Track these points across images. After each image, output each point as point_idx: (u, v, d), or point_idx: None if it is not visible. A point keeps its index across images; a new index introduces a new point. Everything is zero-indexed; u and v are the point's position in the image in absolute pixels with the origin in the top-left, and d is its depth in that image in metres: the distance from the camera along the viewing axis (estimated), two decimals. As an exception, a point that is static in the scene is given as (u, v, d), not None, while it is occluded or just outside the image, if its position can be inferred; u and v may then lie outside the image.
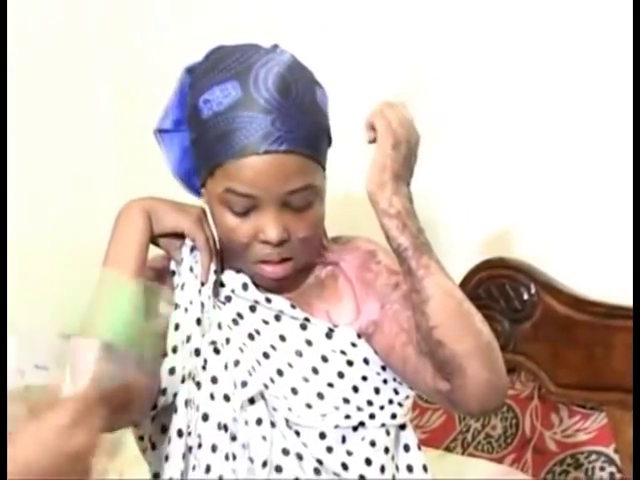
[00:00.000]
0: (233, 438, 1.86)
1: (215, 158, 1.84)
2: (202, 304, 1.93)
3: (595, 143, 2.77)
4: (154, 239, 1.96)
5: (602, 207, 2.73)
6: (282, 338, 1.91)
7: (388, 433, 1.92)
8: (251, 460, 1.85)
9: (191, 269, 1.95)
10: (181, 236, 1.96)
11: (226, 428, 1.86)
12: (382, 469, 1.90)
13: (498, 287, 2.76)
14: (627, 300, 2.56)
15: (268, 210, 1.83)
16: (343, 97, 2.63)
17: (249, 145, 1.80)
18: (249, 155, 1.79)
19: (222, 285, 1.96)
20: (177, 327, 1.91)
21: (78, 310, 2.40)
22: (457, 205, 2.91)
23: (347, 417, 1.88)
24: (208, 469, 1.86)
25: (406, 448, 1.95)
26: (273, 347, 1.91)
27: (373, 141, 1.82)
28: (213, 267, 1.95)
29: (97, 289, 1.86)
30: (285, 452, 1.87)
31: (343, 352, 1.93)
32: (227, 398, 1.86)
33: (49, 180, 3.62)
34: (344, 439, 1.88)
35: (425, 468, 1.95)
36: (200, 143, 1.90)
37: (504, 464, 2.65)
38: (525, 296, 2.72)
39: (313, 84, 1.91)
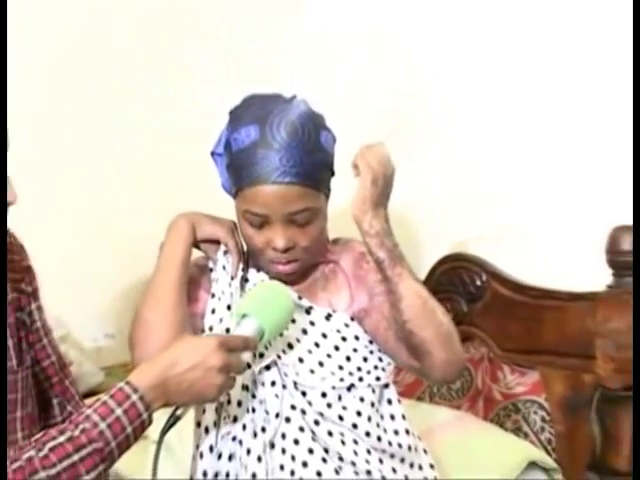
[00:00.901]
0: (253, 396, 2.02)
1: (238, 184, 2.02)
2: (231, 294, 2.10)
3: (536, 155, 2.89)
4: (196, 244, 2.13)
5: (535, 217, 2.88)
6: (292, 320, 2.04)
7: (374, 391, 2.07)
8: (267, 412, 2.00)
9: (224, 267, 2.12)
10: (217, 242, 2.14)
11: (247, 388, 2.02)
12: (369, 419, 2.04)
13: (457, 276, 2.95)
14: (555, 286, 2.75)
15: (276, 225, 1.99)
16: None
17: (261, 177, 1.97)
18: (261, 184, 1.97)
19: (247, 280, 2.13)
20: (213, 311, 2.09)
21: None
22: (428, 210, 3.01)
23: (341, 380, 2.03)
24: (235, 419, 2.02)
25: (389, 402, 2.10)
26: (288, 324, 2.05)
27: (358, 176, 1.98)
28: (240, 266, 2.13)
29: (259, 289, 2.04)
30: (293, 407, 2.01)
31: (339, 331, 2.09)
32: (249, 365, 1.98)
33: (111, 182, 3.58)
34: (340, 397, 2.03)
35: (403, 417, 2.10)
36: (230, 170, 2.06)
37: (461, 410, 2.84)
38: (478, 283, 2.92)
39: (320, 128, 2.05)
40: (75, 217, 3.43)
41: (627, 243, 2.54)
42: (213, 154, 2.14)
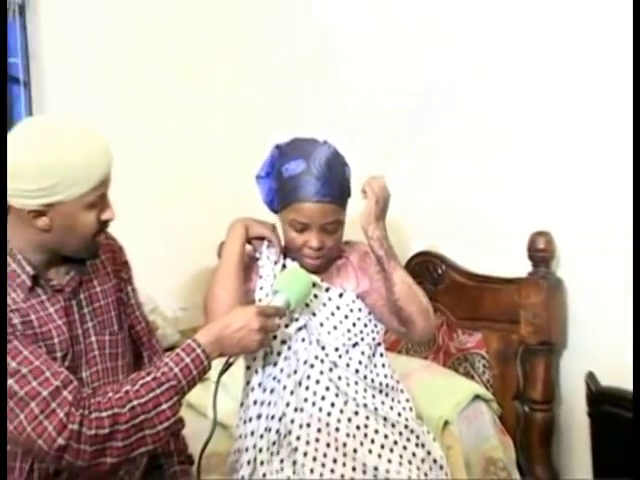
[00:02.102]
0: (289, 348, 2.14)
1: (289, 200, 2.10)
2: (274, 275, 2.19)
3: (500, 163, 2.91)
4: (249, 240, 2.22)
5: (480, 225, 2.96)
6: (315, 296, 2.15)
7: (370, 348, 2.19)
8: (297, 360, 2.12)
9: (267, 257, 2.22)
10: (263, 239, 2.23)
11: (284, 342, 2.14)
12: (366, 367, 2.15)
13: (425, 266, 3.08)
14: (492, 273, 2.88)
15: (313, 231, 2.10)
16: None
17: (306, 196, 2.07)
18: (306, 202, 2.07)
19: (284, 266, 2.21)
20: (261, 288, 2.19)
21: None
22: (407, 222, 3.02)
23: (349, 339, 2.16)
24: (275, 364, 2.14)
25: (380, 355, 2.21)
26: (311, 300, 2.16)
27: (365, 198, 2.08)
28: (280, 256, 2.21)
29: (288, 273, 2.11)
30: (315, 357, 2.13)
31: (347, 305, 2.20)
32: (286, 326, 2.12)
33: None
34: (347, 351, 2.15)
35: (389, 365, 2.21)
36: (281, 190, 2.12)
37: (428, 360, 2.99)
38: (439, 271, 3.06)
39: (344, 164, 2.16)
40: (160, 223, 3.48)
41: (541, 244, 2.73)
42: (258, 177, 2.19)
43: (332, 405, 2.11)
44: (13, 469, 1.85)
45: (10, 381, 1.71)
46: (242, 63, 3.65)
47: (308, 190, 2.07)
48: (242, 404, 2.20)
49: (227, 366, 1.92)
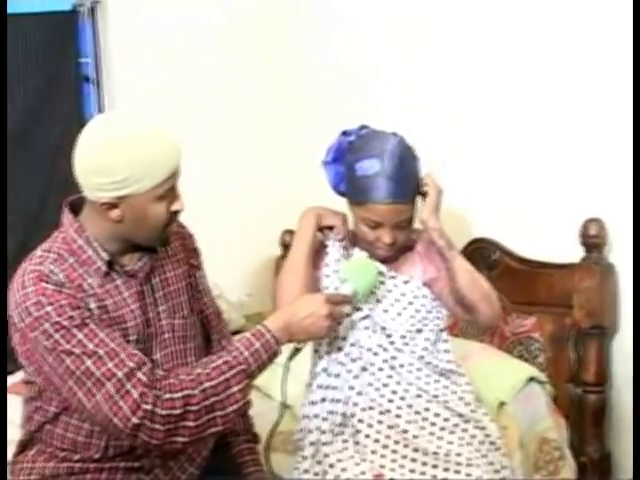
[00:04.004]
0: (354, 335, 2.14)
1: (363, 199, 2.10)
2: (339, 261, 2.20)
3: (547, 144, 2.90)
4: (319, 229, 2.23)
5: (535, 212, 2.96)
6: (381, 283, 2.16)
7: (434, 334, 2.19)
8: (361, 347, 2.13)
9: (333, 244, 2.22)
10: (332, 228, 2.24)
11: (349, 328, 2.14)
12: (431, 352, 2.17)
13: (480, 252, 3.05)
14: (546, 259, 2.88)
15: (387, 229, 2.12)
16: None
17: (380, 198, 2.07)
18: (380, 204, 2.08)
19: (351, 255, 2.22)
20: (327, 275, 2.21)
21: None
22: (462, 205, 2.98)
23: (412, 325, 2.17)
24: (340, 349, 2.15)
25: (444, 340, 2.22)
26: (377, 287, 2.16)
27: (425, 193, 2.12)
28: (349, 245, 2.22)
29: (356, 263, 2.13)
30: (379, 345, 2.14)
31: (412, 292, 2.21)
32: (349, 315, 2.13)
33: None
34: (413, 338, 2.16)
35: (450, 350, 2.22)
36: (353, 186, 2.12)
37: (484, 343, 2.96)
38: (494, 257, 3.04)
39: (415, 159, 2.15)
40: (226, 212, 3.51)
41: (593, 230, 2.74)
42: (324, 163, 2.20)
43: (394, 393, 2.13)
44: (89, 445, 1.90)
45: (88, 362, 1.76)
46: (306, 46, 3.64)
47: (383, 192, 2.07)
48: (309, 385, 2.23)
49: (295, 352, 1.94)
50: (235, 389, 1.81)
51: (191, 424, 1.78)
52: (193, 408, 1.78)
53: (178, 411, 1.76)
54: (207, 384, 1.79)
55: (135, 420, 1.75)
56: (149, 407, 1.75)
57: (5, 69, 3.14)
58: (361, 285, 2.04)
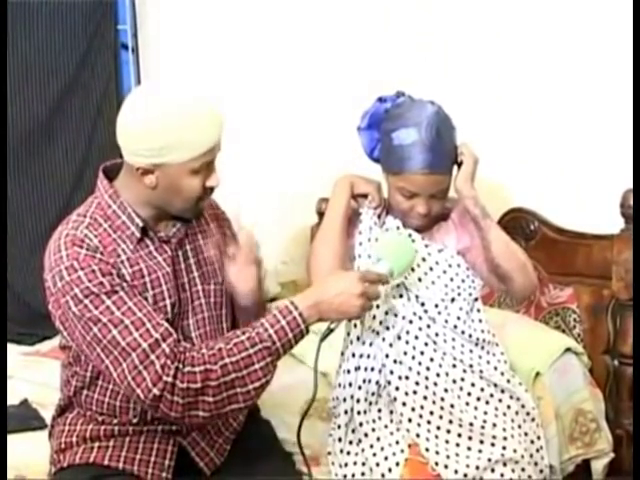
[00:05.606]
0: (388, 303, 2.13)
1: (399, 169, 2.08)
2: (374, 235, 2.18)
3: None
4: (353, 197, 2.22)
5: (574, 184, 2.94)
6: (415, 251, 2.08)
7: (468, 303, 2.18)
8: (395, 315, 2.14)
9: (367, 212, 2.20)
10: (366, 196, 2.22)
11: (383, 297, 2.09)
12: (464, 322, 2.16)
13: (518, 223, 3.03)
14: (584, 230, 2.86)
15: (422, 199, 2.11)
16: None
17: (417, 168, 2.05)
18: (417, 174, 2.06)
19: (384, 223, 2.21)
20: (360, 244, 2.19)
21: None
22: (500, 174, 2.98)
23: (446, 294, 2.17)
24: (374, 317, 2.13)
25: (478, 310, 2.21)
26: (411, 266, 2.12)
27: (461, 162, 2.10)
28: (383, 213, 2.21)
29: (392, 240, 2.07)
30: (414, 314, 2.15)
31: (446, 260, 2.20)
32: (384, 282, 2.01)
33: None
34: (446, 307, 2.15)
35: (486, 320, 2.21)
36: (389, 155, 2.11)
37: (520, 313, 2.96)
38: (532, 227, 3.01)
39: (452, 129, 2.12)
40: (261, 180, 3.54)
41: (632, 201, 2.67)
42: (359, 129, 2.18)
43: (431, 360, 2.12)
44: (127, 409, 1.93)
45: (114, 331, 1.77)
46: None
47: (419, 162, 2.06)
48: (343, 353, 2.22)
49: (328, 332, 1.88)
50: (257, 366, 1.78)
51: (210, 399, 1.77)
52: (212, 383, 1.76)
53: (198, 385, 1.76)
54: (228, 360, 1.77)
55: (156, 391, 1.75)
56: (170, 379, 1.75)
57: (5, 69, 3.19)
58: (397, 265, 1.97)
